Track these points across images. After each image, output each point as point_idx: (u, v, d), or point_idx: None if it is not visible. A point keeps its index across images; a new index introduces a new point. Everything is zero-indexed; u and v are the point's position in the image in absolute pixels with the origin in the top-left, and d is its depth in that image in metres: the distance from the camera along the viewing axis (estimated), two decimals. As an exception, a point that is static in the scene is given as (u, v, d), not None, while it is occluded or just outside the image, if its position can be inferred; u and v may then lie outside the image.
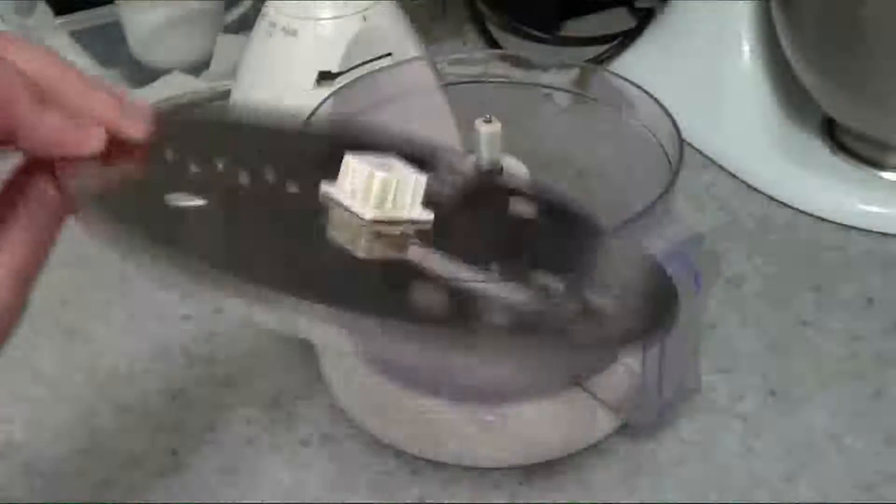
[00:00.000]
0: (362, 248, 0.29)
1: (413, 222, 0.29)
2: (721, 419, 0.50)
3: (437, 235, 0.29)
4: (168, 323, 0.57)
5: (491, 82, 0.55)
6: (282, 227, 0.29)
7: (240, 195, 0.29)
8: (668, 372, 0.45)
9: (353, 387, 0.51)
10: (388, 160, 0.29)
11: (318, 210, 0.29)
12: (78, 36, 0.73)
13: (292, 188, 0.29)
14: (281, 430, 0.51)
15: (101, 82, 0.31)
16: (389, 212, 0.29)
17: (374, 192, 0.28)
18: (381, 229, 0.29)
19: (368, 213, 0.28)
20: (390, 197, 0.28)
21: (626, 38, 0.80)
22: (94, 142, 0.29)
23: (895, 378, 0.52)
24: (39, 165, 0.29)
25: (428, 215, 0.29)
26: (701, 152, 0.69)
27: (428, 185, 0.29)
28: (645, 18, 0.82)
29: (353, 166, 0.28)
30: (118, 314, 0.58)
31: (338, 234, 0.29)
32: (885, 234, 0.62)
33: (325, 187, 0.29)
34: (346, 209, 0.29)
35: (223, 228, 0.29)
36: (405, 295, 0.27)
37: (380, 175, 0.28)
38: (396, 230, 0.29)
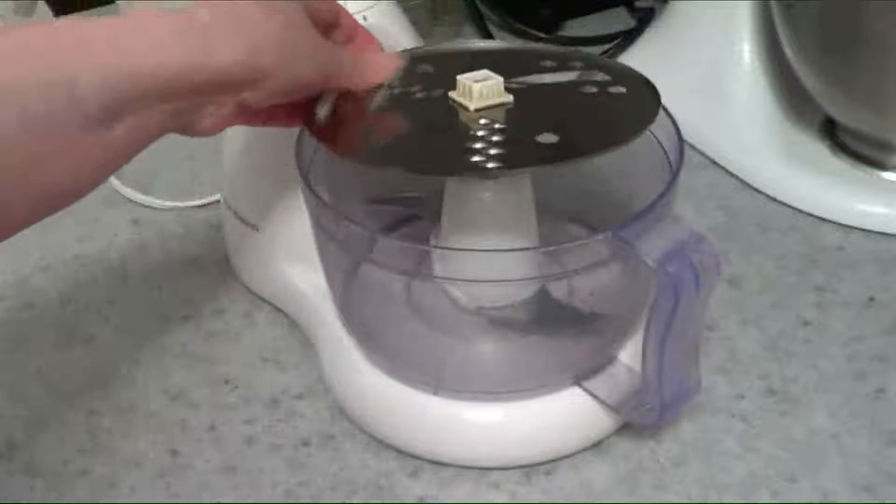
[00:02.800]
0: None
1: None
2: (721, 419, 0.50)
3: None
4: (168, 323, 0.57)
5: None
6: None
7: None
8: (668, 372, 0.45)
9: (353, 387, 0.51)
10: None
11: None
12: (78, 36, 0.73)
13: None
14: (281, 430, 0.51)
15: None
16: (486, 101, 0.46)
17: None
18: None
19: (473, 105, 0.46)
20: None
21: (626, 38, 0.80)
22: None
23: (895, 378, 0.52)
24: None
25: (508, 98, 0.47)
26: (701, 152, 0.69)
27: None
28: (645, 18, 0.82)
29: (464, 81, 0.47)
30: (118, 314, 0.58)
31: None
32: (885, 234, 0.62)
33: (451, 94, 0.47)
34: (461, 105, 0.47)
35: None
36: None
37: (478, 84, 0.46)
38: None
